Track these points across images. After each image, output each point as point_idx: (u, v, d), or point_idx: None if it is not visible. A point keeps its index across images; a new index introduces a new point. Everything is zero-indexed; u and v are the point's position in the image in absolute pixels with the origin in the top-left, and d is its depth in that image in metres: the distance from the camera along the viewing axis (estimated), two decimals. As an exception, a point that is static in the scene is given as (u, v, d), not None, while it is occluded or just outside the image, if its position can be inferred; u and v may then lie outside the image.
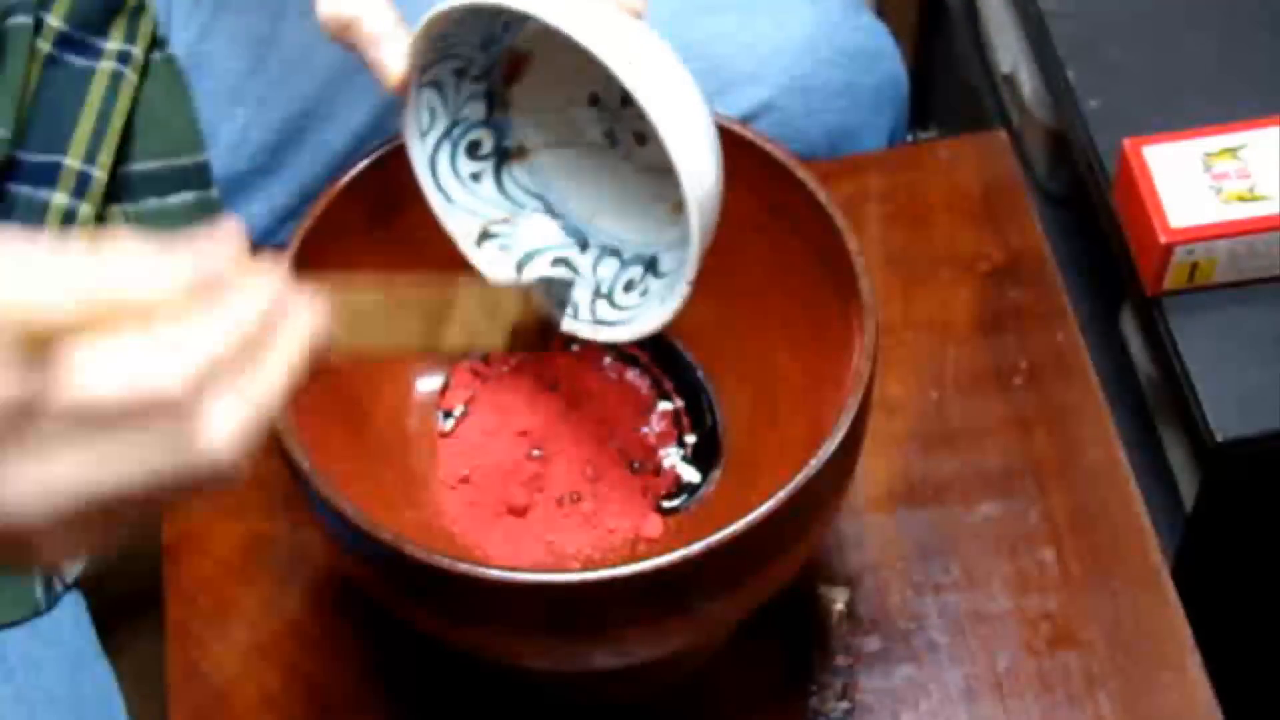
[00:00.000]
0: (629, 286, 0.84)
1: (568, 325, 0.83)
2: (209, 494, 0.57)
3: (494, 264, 0.84)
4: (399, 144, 0.83)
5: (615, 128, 0.86)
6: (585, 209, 0.86)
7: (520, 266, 0.85)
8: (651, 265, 0.84)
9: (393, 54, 0.79)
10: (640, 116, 0.73)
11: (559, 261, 0.85)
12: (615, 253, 0.85)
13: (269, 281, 0.58)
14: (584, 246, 0.86)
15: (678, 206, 0.81)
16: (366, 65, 0.80)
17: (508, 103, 0.85)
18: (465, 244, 0.84)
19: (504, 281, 0.84)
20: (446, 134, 0.83)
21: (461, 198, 0.84)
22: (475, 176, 0.85)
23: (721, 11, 1.08)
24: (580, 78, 0.84)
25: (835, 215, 0.81)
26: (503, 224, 0.85)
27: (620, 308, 0.83)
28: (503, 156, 0.85)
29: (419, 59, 0.79)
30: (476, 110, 0.84)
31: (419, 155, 0.82)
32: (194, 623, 0.91)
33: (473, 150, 0.84)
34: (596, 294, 0.84)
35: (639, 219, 0.85)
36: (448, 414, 0.89)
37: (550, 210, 0.86)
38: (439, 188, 0.83)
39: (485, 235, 0.85)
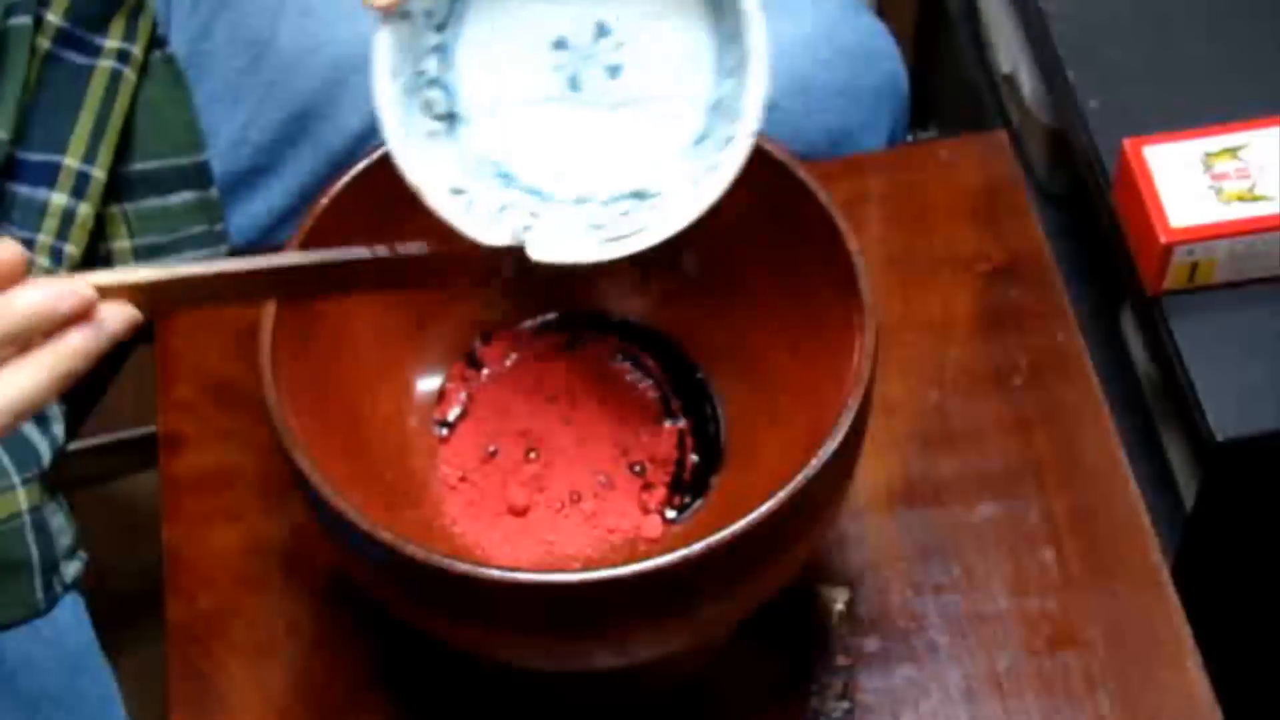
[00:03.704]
0: (624, 213, 0.81)
1: (582, 254, 0.79)
2: None
3: (467, 219, 0.80)
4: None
5: (581, 69, 0.82)
6: (544, 170, 0.83)
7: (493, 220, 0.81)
8: (638, 195, 0.81)
9: None
10: (619, 45, 0.71)
11: (533, 214, 0.82)
12: (586, 200, 0.82)
13: (41, 293, 0.66)
14: (549, 201, 0.82)
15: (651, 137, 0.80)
16: None
17: (457, 61, 0.82)
18: (435, 198, 0.80)
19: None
20: (410, 84, 0.80)
21: (422, 153, 0.81)
22: (432, 135, 0.81)
23: (721, 11, 1.08)
24: (543, 21, 0.81)
25: (835, 215, 0.81)
26: (468, 182, 0.82)
27: (626, 231, 0.80)
28: (454, 122, 0.82)
29: None
30: (432, 65, 0.81)
31: (386, 96, 0.79)
32: (194, 623, 0.91)
33: (428, 109, 0.81)
34: (592, 227, 0.81)
35: (613, 160, 0.82)
36: (443, 422, 0.89)
37: (507, 178, 0.82)
38: (403, 137, 0.80)
39: (457, 190, 0.81)
